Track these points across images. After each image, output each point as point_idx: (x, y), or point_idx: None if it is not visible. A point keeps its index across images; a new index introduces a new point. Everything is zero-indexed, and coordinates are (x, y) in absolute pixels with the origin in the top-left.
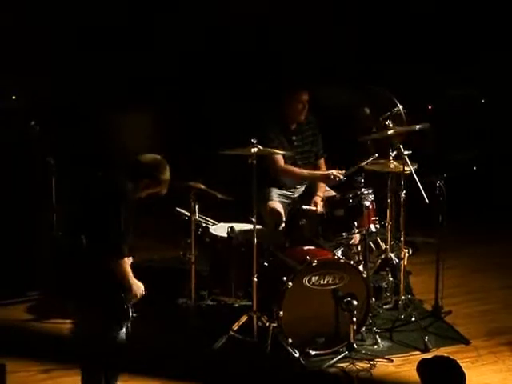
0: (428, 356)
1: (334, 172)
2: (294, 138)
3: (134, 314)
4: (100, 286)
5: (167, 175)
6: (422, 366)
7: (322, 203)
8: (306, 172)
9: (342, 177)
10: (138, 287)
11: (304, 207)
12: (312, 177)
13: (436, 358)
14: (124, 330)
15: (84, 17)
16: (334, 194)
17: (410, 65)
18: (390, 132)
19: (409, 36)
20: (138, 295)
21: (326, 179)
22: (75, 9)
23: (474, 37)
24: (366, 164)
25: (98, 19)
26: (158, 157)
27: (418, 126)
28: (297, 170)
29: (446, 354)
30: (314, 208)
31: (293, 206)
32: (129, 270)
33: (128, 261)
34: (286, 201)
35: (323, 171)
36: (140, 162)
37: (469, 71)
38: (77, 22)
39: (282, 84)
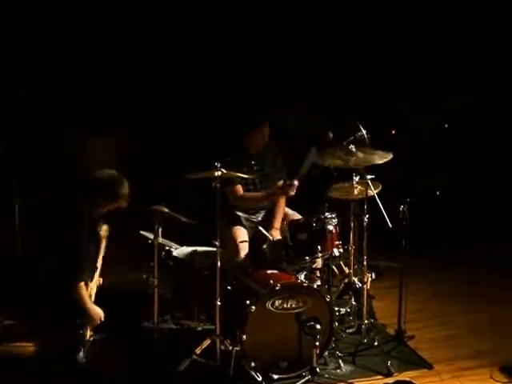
0: (390, 381)
1: (280, 182)
2: (253, 162)
3: (94, 337)
4: (57, 309)
5: (125, 189)
6: None
7: (278, 234)
8: (262, 193)
9: (295, 182)
10: (96, 313)
11: (260, 229)
12: (268, 195)
13: (398, 382)
14: (81, 353)
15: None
16: (298, 216)
17: (376, 90)
18: (352, 160)
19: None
20: (96, 321)
21: (281, 191)
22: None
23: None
24: (309, 164)
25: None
26: (114, 172)
27: (379, 160)
28: (254, 194)
29: (408, 379)
30: (270, 236)
31: (254, 231)
32: (84, 294)
33: (91, 284)
34: (250, 225)
35: (275, 185)
36: (96, 179)
37: (432, 96)
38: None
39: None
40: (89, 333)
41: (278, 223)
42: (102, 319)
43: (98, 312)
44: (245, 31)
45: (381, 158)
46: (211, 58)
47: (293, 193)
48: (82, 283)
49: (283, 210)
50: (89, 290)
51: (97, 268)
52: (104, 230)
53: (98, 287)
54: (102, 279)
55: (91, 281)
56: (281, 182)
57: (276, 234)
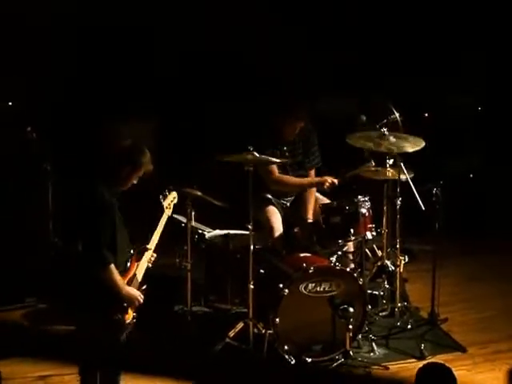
0: (424, 363)
1: (329, 179)
2: (285, 148)
3: (134, 320)
4: (92, 294)
5: (146, 156)
6: (418, 373)
7: (312, 213)
8: (303, 180)
9: (336, 183)
10: (132, 295)
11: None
12: (309, 184)
13: (429, 364)
14: (123, 336)
15: (84, 17)
16: (327, 201)
17: (408, 73)
18: (384, 144)
19: (408, 44)
20: (135, 303)
21: (321, 185)
22: (75, 9)
23: (473, 45)
24: (360, 171)
25: (97, 20)
26: (130, 141)
27: (410, 149)
28: (292, 178)
29: (440, 361)
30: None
31: (286, 214)
32: (117, 278)
33: (139, 263)
34: (280, 208)
35: (320, 178)
36: (114, 150)
37: (466, 79)
38: (77, 23)
39: (281, 99)
40: (129, 316)
41: (311, 207)
42: (141, 301)
43: (134, 294)
44: (243, 47)
45: (412, 146)
46: (210, 67)
47: (328, 188)
48: (112, 266)
49: (314, 195)
50: (133, 269)
51: (145, 243)
52: (170, 198)
53: (151, 263)
54: (155, 255)
55: (139, 259)
56: (327, 179)
57: (310, 217)
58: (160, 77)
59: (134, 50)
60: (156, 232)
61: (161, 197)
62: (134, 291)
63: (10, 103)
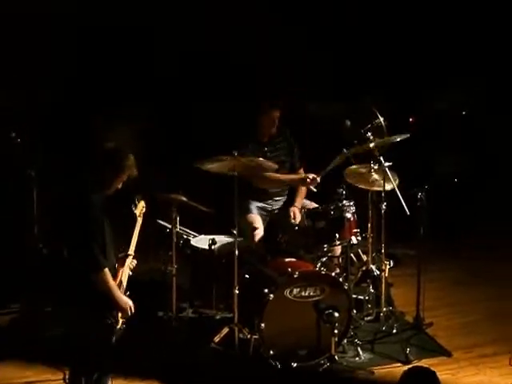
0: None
1: (310, 175)
2: (266, 149)
3: (123, 326)
4: (86, 299)
5: (130, 160)
6: (402, 376)
7: (299, 214)
8: (282, 176)
9: (318, 179)
10: (124, 302)
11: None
12: (290, 180)
13: (414, 368)
14: (113, 341)
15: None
16: (315, 205)
17: (394, 77)
18: (371, 145)
19: (393, 49)
20: (126, 311)
21: (303, 182)
22: (61, 12)
23: (461, 50)
24: (338, 162)
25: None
26: (114, 145)
27: (397, 138)
28: (276, 174)
29: (425, 365)
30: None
31: (271, 218)
32: (111, 283)
33: (122, 269)
34: (264, 213)
35: (301, 175)
36: (99, 152)
37: (452, 84)
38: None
39: (257, 99)
40: (120, 322)
41: (298, 203)
42: (132, 309)
43: (128, 301)
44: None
45: (398, 137)
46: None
47: (313, 187)
48: (106, 270)
49: (304, 193)
50: (119, 276)
51: (127, 250)
52: (140, 207)
53: (132, 270)
54: (135, 261)
55: (122, 265)
56: (311, 176)
57: (297, 212)
58: (156, 77)
59: (133, 50)
60: (132, 239)
61: (132, 205)
62: (125, 298)
63: None
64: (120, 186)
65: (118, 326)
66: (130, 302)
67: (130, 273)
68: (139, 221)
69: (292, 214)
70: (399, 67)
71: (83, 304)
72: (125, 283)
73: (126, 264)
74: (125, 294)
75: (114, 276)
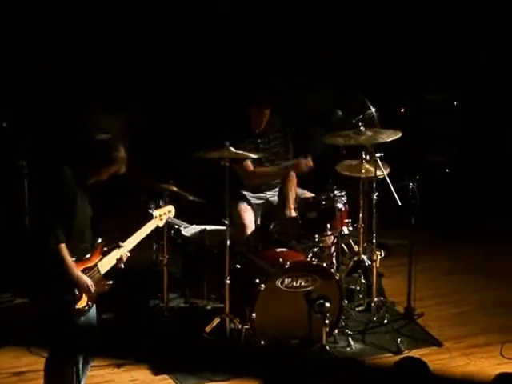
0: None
1: (302, 160)
2: (259, 141)
3: (86, 308)
4: (44, 273)
5: (121, 153)
6: (393, 367)
7: (293, 208)
8: (274, 168)
9: (311, 163)
10: (82, 280)
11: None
12: (279, 170)
13: (406, 358)
14: (86, 316)
15: (62, 16)
16: (310, 195)
17: (386, 68)
18: (361, 138)
19: (387, 39)
20: (84, 289)
21: (296, 168)
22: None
23: (452, 41)
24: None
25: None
26: (108, 136)
27: (387, 139)
28: (266, 168)
29: (417, 356)
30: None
31: (265, 208)
32: (67, 259)
33: (106, 258)
34: (258, 202)
35: (292, 161)
36: (89, 142)
37: (444, 75)
38: (54, 22)
39: (255, 92)
40: (82, 302)
41: (291, 202)
42: (92, 289)
43: (84, 280)
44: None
45: (389, 136)
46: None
47: (305, 169)
48: (62, 245)
49: (295, 190)
50: (94, 261)
51: (119, 243)
52: (164, 210)
53: (120, 261)
54: (129, 254)
55: (104, 254)
56: (300, 160)
57: (292, 213)
58: (154, 75)
59: (133, 49)
60: (137, 235)
61: (152, 205)
62: (84, 277)
63: None
64: (105, 178)
65: (82, 305)
66: (89, 283)
67: (122, 266)
68: (156, 222)
69: (288, 211)
70: (391, 57)
71: (43, 278)
72: (102, 271)
73: (113, 254)
74: (101, 281)
75: (85, 259)
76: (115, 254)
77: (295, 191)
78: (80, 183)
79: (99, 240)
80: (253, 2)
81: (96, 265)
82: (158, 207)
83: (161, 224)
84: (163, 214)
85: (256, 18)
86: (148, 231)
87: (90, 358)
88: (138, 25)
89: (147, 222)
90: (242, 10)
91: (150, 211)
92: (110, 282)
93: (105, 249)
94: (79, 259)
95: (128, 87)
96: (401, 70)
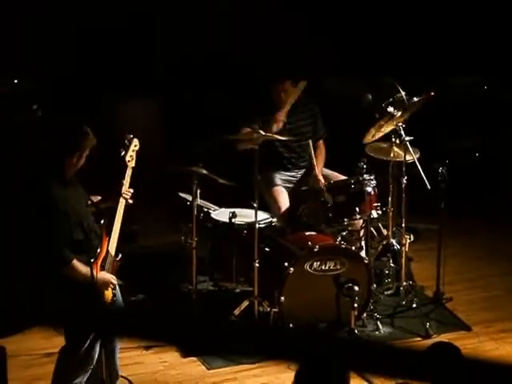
0: (429, 342)
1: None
2: (285, 120)
3: (114, 298)
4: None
5: (89, 135)
6: (426, 351)
7: (321, 176)
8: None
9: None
10: (103, 281)
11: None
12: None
13: (437, 343)
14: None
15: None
16: (342, 177)
17: (413, 52)
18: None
19: (412, 24)
20: (108, 287)
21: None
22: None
23: (478, 26)
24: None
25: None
26: (76, 122)
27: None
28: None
29: (447, 340)
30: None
31: (293, 190)
32: (83, 271)
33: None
34: (289, 185)
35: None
36: (57, 143)
37: (472, 59)
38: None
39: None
40: (109, 295)
41: (319, 171)
42: (115, 282)
43: (105, 278)
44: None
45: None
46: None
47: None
48: (74, 262)
49: (323, 159)
50: (104, 248)
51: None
52: (132, 148)
53: (129, 199)
54: (132, 190)
55: (107, 234)
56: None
57: (320, 182)
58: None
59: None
60: (124, 184)
61: (121, 150)
62: (104, 276)
63: (16, 81)
64: (83, 162)
65: (110, 297)
66: (108, 277)
67: (130, 201)
68: (130, 165)
69: (315, 179)
70: (420, 43)
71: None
72: (113, 250)
73: (117, 218)
74: (114, 261)
75: (98, 254)
76: (119, 214)
77: (322, 161)
78: (63, 182)
79: (102, 222)
80: (253, 2)
81: (108, 251)
82: (126, 149)
83: (133, 164)
84: (133, 153)
85: (256, 18)
86: (129, 178)
87: (117, 341)
88: (137, 25)
89: (124, 171)
90: (241, 10)
91: (124, 156)
92: (120, 257)
93: (106, 228)
94: (94, 256)
95: (127, 87)
96: (431, 55)
